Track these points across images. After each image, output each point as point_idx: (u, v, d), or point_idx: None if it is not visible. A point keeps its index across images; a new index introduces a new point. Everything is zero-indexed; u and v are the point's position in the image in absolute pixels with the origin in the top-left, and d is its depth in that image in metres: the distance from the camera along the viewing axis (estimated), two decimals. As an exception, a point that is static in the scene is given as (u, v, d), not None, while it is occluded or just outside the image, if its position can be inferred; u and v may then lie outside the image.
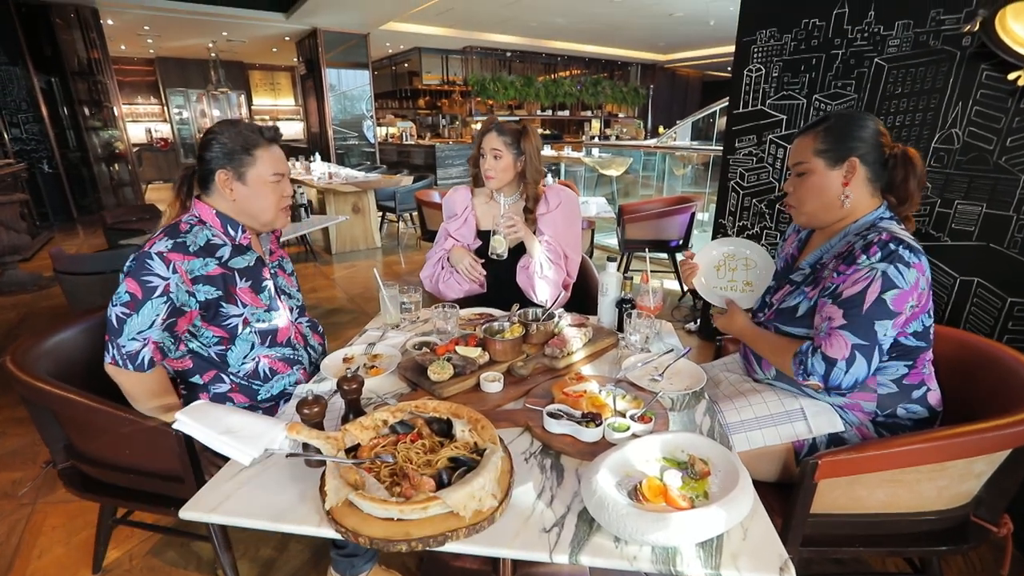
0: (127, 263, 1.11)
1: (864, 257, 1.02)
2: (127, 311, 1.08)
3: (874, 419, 1.13)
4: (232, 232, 1.24)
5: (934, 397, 1.13)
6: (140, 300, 1.08)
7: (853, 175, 1.09)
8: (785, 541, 0.99)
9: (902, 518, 1.04)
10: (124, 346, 1.09)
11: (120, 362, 1.10)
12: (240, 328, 1.23)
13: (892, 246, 1.00)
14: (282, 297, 1.35)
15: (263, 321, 1.26)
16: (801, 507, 0.97)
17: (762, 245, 2.56)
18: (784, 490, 1.12)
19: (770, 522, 0.78)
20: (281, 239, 1.50)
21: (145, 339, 1.10)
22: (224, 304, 1.20)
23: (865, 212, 1.11)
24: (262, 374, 1.28)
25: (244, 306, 1.23)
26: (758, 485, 1.15)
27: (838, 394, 1.13)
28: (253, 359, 1.26)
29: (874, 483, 0.99)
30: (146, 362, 1.11)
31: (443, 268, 1.80)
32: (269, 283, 1.30)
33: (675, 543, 0.72)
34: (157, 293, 1.09)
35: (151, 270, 1.09)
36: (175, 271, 1.11)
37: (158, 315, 1.10)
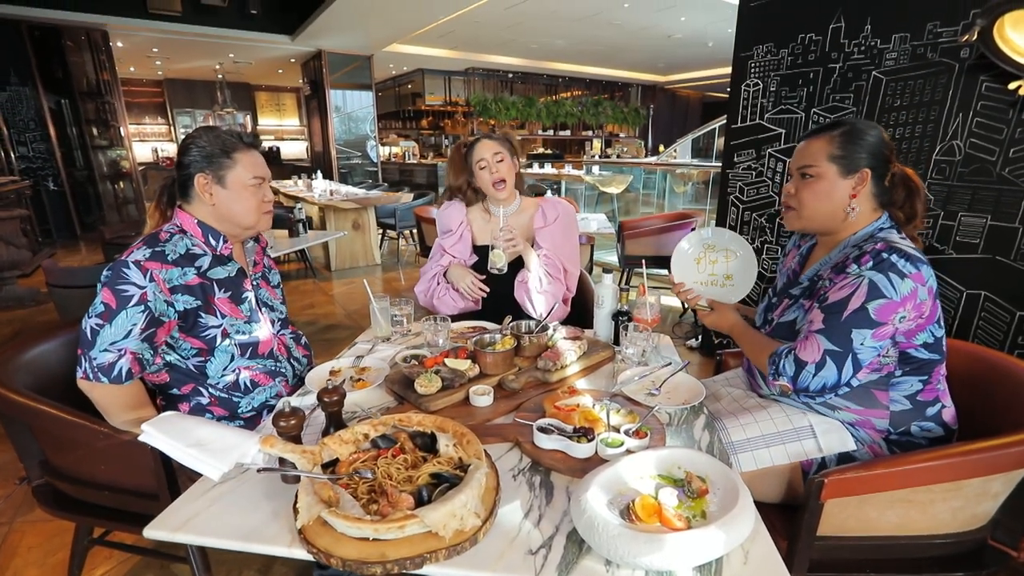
0: (104, 273, 1.08)
1: (855, 266, 0.99)
2: (101, 322, 1.05)
3: (887, 437, 1.08)
4: (213, 242, 1.21)
5: (949, 414, 1.08)
6: (114, 310, 1.05)
7: (863, 187, 1.06)
8: (791, 566, 0.93)
9: (915, 541, 0.98)
10: (96, 358, 1.05)
11: (91, 375, 1.05)
12: (219, 339, 1.19)
13: (885, 255, 0.96)
14: (263, 309, 1.31)
15: (243, 333, 1.23)
16: (807, 529, 0.92)
17: (762, 259, 2.53)
18: (789, 511, 1.06)
19: (773, 544, 0.73)
20: (276, 252, 1.48)
21: (121, 350, 1.06)
22: (203, 314, 1.16)
23: (864, 224, 1.08)
24: (243, 386, 1.24)
25: (223, 317, 1.19)
26: (762, 506, 1.09)
27: (808, 397, 1.11)
28: (233, 371, 1.22)
29: (885, 504, 0.94)
30: (124, 374, 1.07)
31: (438, 284, 1.77)
32: (250, 295, 1.26)
33: (670, 567, 0.67)
34: (133, 302, 1.06)
35: (127, 279, 1.06)
36: (152, 279, 1.08)
37: (135, 325, 1.06)
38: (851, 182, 1.06)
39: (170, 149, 11.58)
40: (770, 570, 0.69)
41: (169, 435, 0.79)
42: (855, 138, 1.05)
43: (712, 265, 1.33)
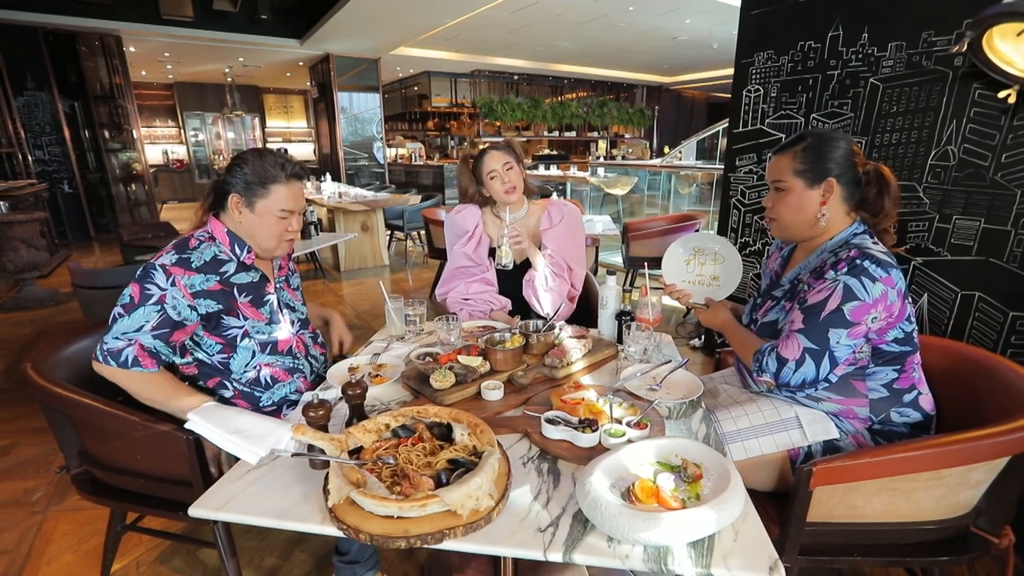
0: (139, 270, 1.18)
1: (832, 272, 1.07)
2: (122, 312, 1.14)
3: (870, 427, 1.14)
4: (239, 251, 1.29)
5: (926, 401, 1.15)
6: (135, 304, 1.14)
7: (831, 195, 1.14)
8: (783, 550, 1.00)
9: (900, 527, 1.04)
10: (107, 343, 1.14)
11: (100, 357, 1.14)
12: (240, 338, 1.28)
13: (859, 261, 1.04)
14: (284, 311, 1.39)
15: (263, 333, 1.31)
16: (797, 515, 0.98)
17: (764, 260, 2.58)
18: (781, 499, 1.12)
19: (761, 524, 0.80)
20: (292, 255, 1.55)
21: (131, 340, 1.14)
22: (225, 316, 1.25)
23: (839, 230, 1.16)
24: (263, 382, 1.32)
25: (245, 319, 1.28)
26: (755, 495, 1.16)
27: (790, 392, 1.19)
28: (255, 367, 1.31)
29: (871, 491, 1.00)
30: (129, 360, 1.13)
31: (467, 300, 1.82)
32: (272, 298, 1.35)
33: (666, 542, 0.74)
34: (152, 301, 1.15)
35: (152, 279, 1.16)
36: (174, 284, 1.17)
37: (147, 321, 1.14)
38: (819, 192, 1.14)
39: (180, 151, 11.75)
40: (758, 547, 0.75)
41: (212, 423, 0.86)
42: (815, 152, 1.14)
43: (701, 267, 1.43)
